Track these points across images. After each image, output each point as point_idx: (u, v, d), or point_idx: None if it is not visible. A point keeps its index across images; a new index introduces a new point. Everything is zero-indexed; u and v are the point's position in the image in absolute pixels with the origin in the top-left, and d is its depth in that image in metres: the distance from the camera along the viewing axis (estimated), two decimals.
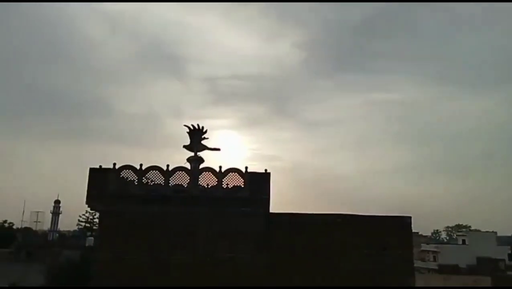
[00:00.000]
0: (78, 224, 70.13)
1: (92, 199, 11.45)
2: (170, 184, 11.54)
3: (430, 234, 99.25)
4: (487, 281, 22.56)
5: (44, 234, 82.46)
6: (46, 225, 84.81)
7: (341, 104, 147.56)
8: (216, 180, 11.61)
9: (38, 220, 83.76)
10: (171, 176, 11.59)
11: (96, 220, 58.33)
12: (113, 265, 10.99)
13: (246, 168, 11.66)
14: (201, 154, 12.24)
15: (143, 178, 11.62)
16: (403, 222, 11.77)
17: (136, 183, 11.53)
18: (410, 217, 11.81)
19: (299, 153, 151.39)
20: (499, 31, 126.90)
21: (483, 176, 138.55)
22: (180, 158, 12.26)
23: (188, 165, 12.00)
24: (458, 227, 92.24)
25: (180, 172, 11.68)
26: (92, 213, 57.73)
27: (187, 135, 12.59)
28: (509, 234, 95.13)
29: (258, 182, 11.52)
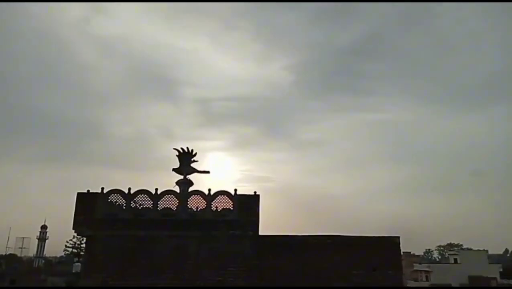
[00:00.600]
0: (65, 250, 68.46)
1: (79, 224, 11.33)
2: (158, 208, 11.50)
3: (422, 254, 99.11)
4: None
5: (30, 260, 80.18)
6: (32, 252, 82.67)
7: (332, 125, 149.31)
8: (205, 203, 11.61)
9: (24, 246, 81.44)
10: (160, 199, 11.57)
11: (84, 245, 57.14)
12: None
13: (235, 190, 11.70)
14: (191, 177, 12.25)
15: (132, 202, 11.57)
16: (391, 243, 11.84)
17: (124, 207, 11.47)
18: (398, 237, 11.90)
19: (290, 174, 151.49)
20: (486, 53, 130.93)
21: (473, 195, 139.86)
22: (171, 181, 12.27)
23: (177, 189, 11.98)
24: (450, 246, 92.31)
25: (169, 195, 11.67)
26: (80, 238, 56.49)
27: (177, 157, 12.62)
28: (500, 252, 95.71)
29: (248, 204, 11.55)
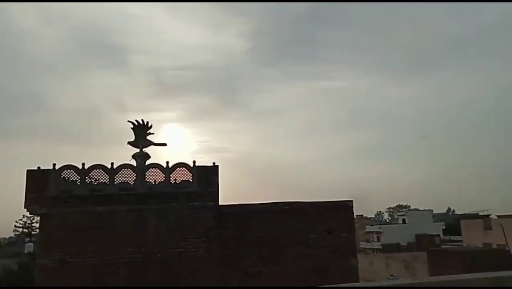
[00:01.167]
0: (14, 230, 65.66)
1: (31, 202, 10.90)
2: (115, 183, 11.30)
3: (374, 216, 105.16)
4: (423, 256, 24.47)
5: None
6: None
7: (287, 93, 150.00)
8: (164, 176, 11.55)
9: None
10: (116, 174, 11.35)
11: (35, 224, 55.01)
12: (58, 269, 10.59)
13: (194, 162, 11.71)
14: (147, 150, 12.05)
15: (86, 177, 11.27)
16: (345, 206, 12.49)
17: (79, 183, 11.15)
18: (351, 201, 12.56)
19: (247, 143, 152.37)
20: (436, 20, 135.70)
21: (421, 158, 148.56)
22: (126, 154, 12.01)
23: (134, 162, 11.79)
24: (399, 207, 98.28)
25: (126, 169, 11.47)
26: (30, 217, 54.28)
27: (132, 130, 12.33)
28: (443, 211, 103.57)
29: (207, 175, 11.63)
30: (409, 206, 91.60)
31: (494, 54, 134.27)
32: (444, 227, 66.05)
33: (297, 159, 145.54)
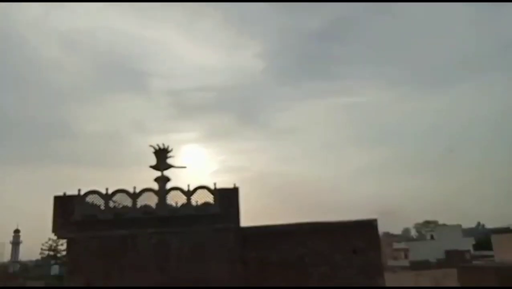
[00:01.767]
0: (41, 253, 66.90)
1: (58, 227, 11.19)
2: (138, 206, 11.43)
3: (400, 232, 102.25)
4: (453, 272, 23.55)
5: (4, 266, 78.08)
6: (6, 257, 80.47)
7: (304, 111, 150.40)
8: (185, 198, 11.61)
9: None
10: (139, 197, 11.49)
11: (60, 247, 55.97)
12: None
13: (215, 184, 11.75)
14: (168, 172, 12.23)
15: (110, 201, 11.45)
16: (369, 225, 12.20)
17: (103, 208, 11.34)
18: (375, 220, 12.27)
19: (266, 162, 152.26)
20: (452, 35, 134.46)
21: (445, 172, 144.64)
22: (148, 175, 12.23)
23: (155, 185, 11.94)
24: (426, 223, 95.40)
25: (148, 193, 11.60)
26: (56, 240, 55.31)
27: (153, 154, 12.55)
28: (473, 226, 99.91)
29: (228, 197, 11.62)
30: (437, 222, 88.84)
31: None
32: (474, 242, 63.55)
33: (318, 177, 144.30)
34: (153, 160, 12.35)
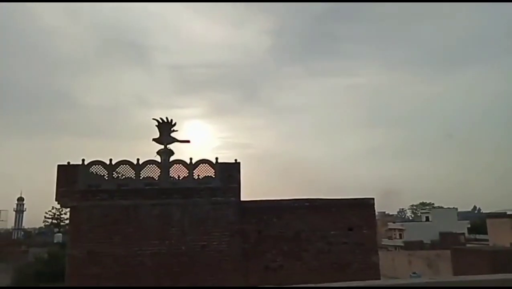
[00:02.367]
0: (44, 221, 68.06)
1: (62, 195, 11.41)
2: (141, 178, 11.66)
3: (396, 213, 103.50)
4: (447, 253, 24.10)
5: (8, 233, 79.57)
6: (10, 224, 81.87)
7: (310, 90, 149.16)
8: (187, 171, 11.83)
9: (1, 219, 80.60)
10: (142, 169, 11.70)
11: (64, 215, 56.89)
12: (86, 259, 11.06)
13: (217, 158, 11.94)
14: (171, 146, 12.36)
15: (114, 172, 11.67)
16: (366, 204, 12.47)
17: (106, 178, 11.57)
18: (372, 199, 12.53)
19: (270, 139, 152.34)
20: (460, 17, 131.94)
21: (444, 156, 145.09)
22: (150, 149, 12.39)
23: (158, 158, 12.12)
24: (422, 205, 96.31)
25: (151, 165, 11.81)
26: (59, 209, 56.19)
27: (156, 127, 12.66)
28: (469, 209, 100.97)
29: (229, 171, 11.83)
30: (433, 204, 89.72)
31: None
32: (469, 226, 64.38)
33: (319, 156, 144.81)
34: (156, 134, 12.47)
